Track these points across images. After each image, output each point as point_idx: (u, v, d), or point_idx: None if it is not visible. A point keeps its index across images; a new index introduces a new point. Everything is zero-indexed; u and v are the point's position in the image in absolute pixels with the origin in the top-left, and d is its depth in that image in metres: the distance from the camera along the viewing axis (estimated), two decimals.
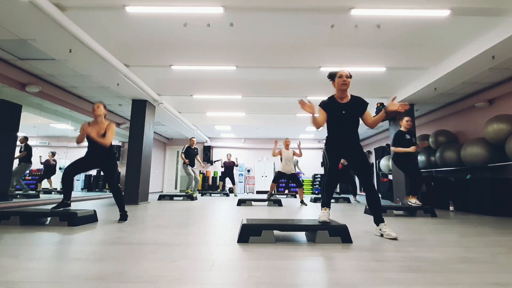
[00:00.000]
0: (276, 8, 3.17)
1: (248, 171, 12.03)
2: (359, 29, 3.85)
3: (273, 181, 6.11)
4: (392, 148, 4.39)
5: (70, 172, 3.12)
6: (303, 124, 9.00)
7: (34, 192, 6.73)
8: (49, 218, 2.99)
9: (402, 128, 4.46)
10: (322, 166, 7.14)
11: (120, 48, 4.38)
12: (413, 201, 4.20)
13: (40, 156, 7.40)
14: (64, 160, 8.13)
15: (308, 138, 12.28)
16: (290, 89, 5.93)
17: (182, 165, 7.22)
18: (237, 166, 9.49)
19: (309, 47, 4.40)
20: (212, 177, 12.04)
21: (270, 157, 12.05)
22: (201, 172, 12.13)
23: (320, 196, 7.05)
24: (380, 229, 2.43)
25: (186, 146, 7.24)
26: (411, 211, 4.15)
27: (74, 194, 7.55)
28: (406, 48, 4.42)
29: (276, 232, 2.35)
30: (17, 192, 6.11)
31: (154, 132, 10.33)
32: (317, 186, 11.68)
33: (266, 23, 3.83)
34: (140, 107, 5.91)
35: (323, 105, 2.61)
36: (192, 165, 7.26)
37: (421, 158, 6.73)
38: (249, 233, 2.19)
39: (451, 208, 5.24)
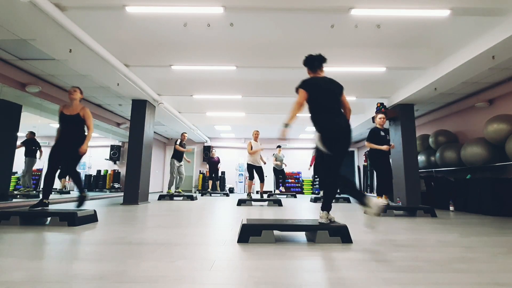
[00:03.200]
0: (276, 8, 3.17)
1: None
2: (359, 29, 3.85)
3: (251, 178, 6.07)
4: (366, 144, 4.49)
5: (53, 169, 3.09)
6: (303, 124, 9.00)
7: (34, 192, 6.72)
8: (49, 218, 2.99)
9: (377, 125, 4.53)
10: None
11: (120, 48, 4.38)
12: (381, 201, 4.18)
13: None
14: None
15: (308, 138, 12.28)
16: (290, 89, 5.93)
17: (172, 159, 6.99)
18: (219, 163, 9.77)
19: (309, 47, 4.40)
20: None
21: (270, 157, 12.05)
22: (201, 172, 12.12)
23: (319, 196, 7.04)
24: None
25: (179, 140, 7.11)
26: (411, 211, 4.15)
27: (74, 194, 7.55)
28: (406, 48, 4.42)
29: (276, 232, 2.35)
30: (16, 192, 6.11)
31: (154, 132, 10.33)
32: (316, 186, 11.73)
33: (266, 23, 3.83)
34: (140, 107, 5.90)
35: None
36: (180, 160, 7.12)
37: (421, 158, 6.74)
38: (249, 233, 2.19)
39: (451, 208, 5.25)
